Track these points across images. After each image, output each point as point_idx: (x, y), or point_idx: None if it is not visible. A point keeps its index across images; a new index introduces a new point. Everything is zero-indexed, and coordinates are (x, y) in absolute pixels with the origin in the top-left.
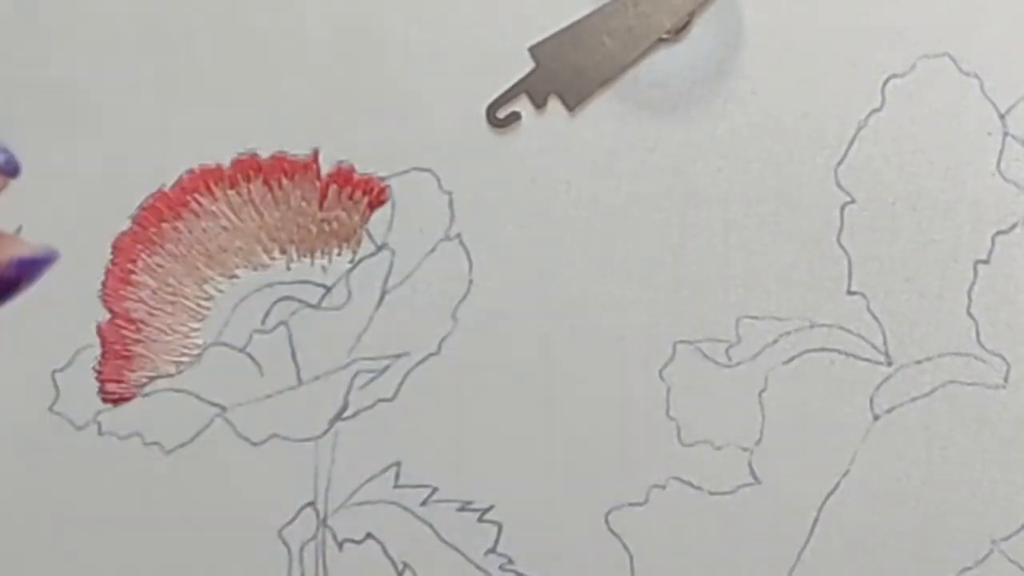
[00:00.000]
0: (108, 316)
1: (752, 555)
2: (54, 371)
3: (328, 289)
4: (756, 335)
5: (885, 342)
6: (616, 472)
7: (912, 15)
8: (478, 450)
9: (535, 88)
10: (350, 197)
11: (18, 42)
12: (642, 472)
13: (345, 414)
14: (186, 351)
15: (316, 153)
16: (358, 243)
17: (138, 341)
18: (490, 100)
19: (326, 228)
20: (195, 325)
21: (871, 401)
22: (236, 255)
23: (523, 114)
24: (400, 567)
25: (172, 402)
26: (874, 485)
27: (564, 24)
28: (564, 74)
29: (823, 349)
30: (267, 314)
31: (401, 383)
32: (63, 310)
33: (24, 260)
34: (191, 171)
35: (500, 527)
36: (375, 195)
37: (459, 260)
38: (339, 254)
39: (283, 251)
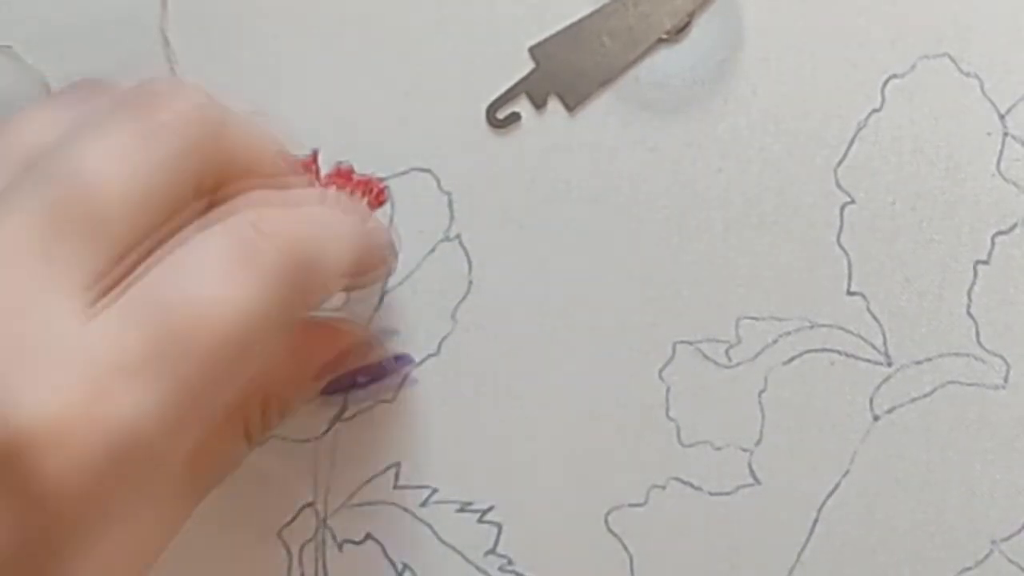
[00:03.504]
0: None
1: (752, 556)
2: None
3: None
4: (756, 335)
5: (885, 342)
6: (616, 472)
7: (912, 15)
8: (478, 451)
9: (535, 88)
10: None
11: (16, 42)
12: (642, 472)
13: (345, 415)
14: None
15: (315, 153)
16: None
17: None
18: (490, 101)
19: None
20: None
21: (871, 401)
22: None
23: (523, 115)
24: (400, 568)
25: None
26: (874, 486)
27: (564, 24)
28: (564, 74)
29: (823, 349)
30: None
31: (401, 384)
32: None
33: (398, 357)
34: None
35: (500, 528)
36: (374, 196)
37: (459, 261)
38: None
39: None
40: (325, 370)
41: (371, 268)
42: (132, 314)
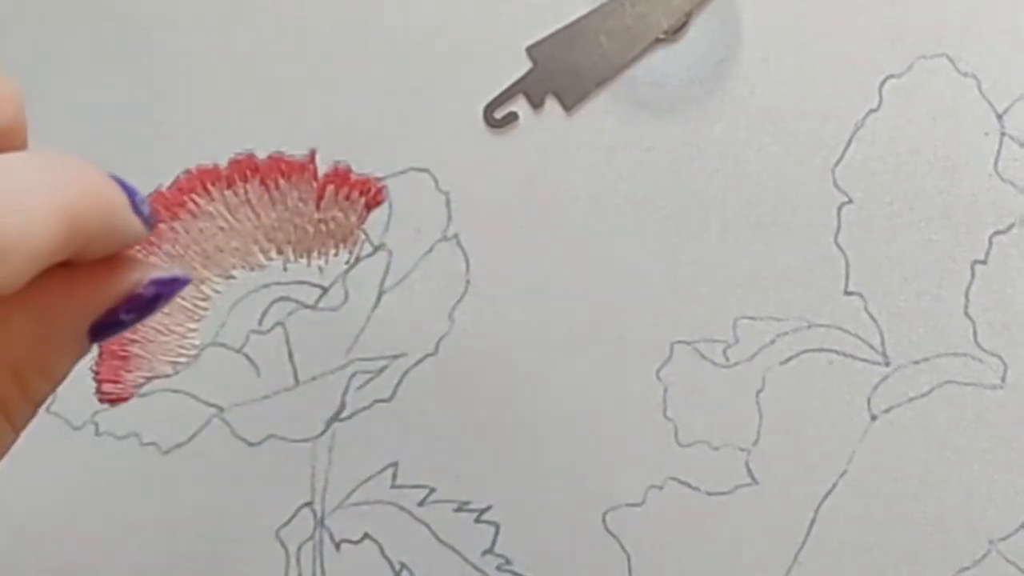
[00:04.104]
0: None
1: (749, 555)
2: None
3: (325, 290)
4: (753, 335)
5: (883, 342)
6: (613, 472)
7: (910, 15)
8: (476, 450)
9: (532, 88)
10: (347, 197)
11: (14, 43)
12: (639, 472)
13: (342, 415)
14: (183, 351)
15: (313, 153)
16: (355, 243)
17: (135, 341)
18: (487, 100)
19: (323, 228)
20: (192, 325)
21: (868, 401)
22: (233, 255)
23: (520, 114)
24: (397, 567)
25: (169, 402)
26: (871, 485)
27: (562, 24)
28: (561, 74)
29: (820, 349)
30: (264, 314)
31: (398, 384)
32: None
33: (161, 280)
34: (188, 171)
35: (498, 527)
36: (372, 195)
37: (456, 260)
38: (336, 254)
39: (280, 251)
40: (85, 317)
41: (95, 236)
42: None
